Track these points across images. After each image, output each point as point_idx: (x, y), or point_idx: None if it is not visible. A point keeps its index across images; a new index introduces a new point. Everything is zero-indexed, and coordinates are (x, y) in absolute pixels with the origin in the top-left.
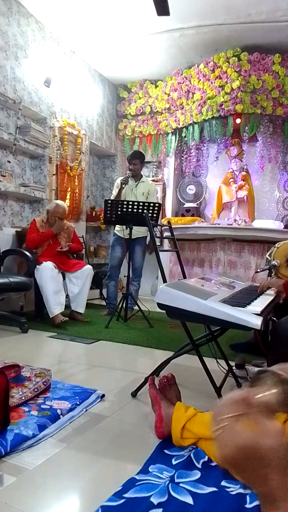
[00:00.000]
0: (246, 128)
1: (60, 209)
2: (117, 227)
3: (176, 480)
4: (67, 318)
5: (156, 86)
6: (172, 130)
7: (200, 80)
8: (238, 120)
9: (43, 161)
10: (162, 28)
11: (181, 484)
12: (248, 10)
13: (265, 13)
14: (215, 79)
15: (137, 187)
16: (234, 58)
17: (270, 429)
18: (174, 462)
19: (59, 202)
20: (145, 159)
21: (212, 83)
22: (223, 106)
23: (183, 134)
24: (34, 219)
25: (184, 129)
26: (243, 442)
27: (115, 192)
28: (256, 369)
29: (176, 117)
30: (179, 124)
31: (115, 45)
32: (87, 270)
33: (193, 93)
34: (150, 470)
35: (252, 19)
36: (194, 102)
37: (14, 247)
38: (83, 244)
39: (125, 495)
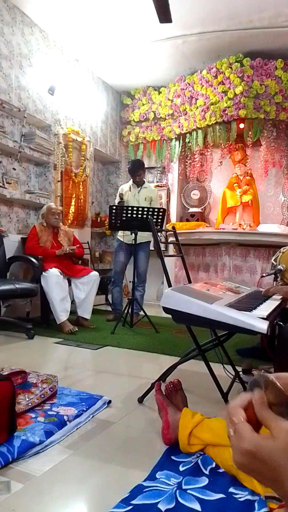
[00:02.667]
0: (250, 133)
1: (53, 206)
2: (120, 232)
3: (184, 487)
4: (77, 329)
5: (160, 93)
6: (176, 136)
7: (203, 86)
8: (241, 125)
9: (48, 168)
10: (164, 35)
11: (188, 491)
12: (250, 16)
13: (267, 19)
14: (218, 85)
15: (139, 193)
16: (236, 64)
17: (279, 430)
18: (181, 469)
19: (48, 203)
20: (144, 165)
21: (215, 88)
22: (226, 112)
23: (187, 140)
24: (34, 225)
25: (187, 135)
26: (252, 446)
27: (117, 200)
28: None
29: (179, 123)
30: (182, 130)
31: (118, 53)
32: (94, 276)
33: (196, 99)
34: (157, 476)
35: (254, 25)
36: (197, 108)
37: (20, 254)
38: (88, 250)
39: (133, 502)
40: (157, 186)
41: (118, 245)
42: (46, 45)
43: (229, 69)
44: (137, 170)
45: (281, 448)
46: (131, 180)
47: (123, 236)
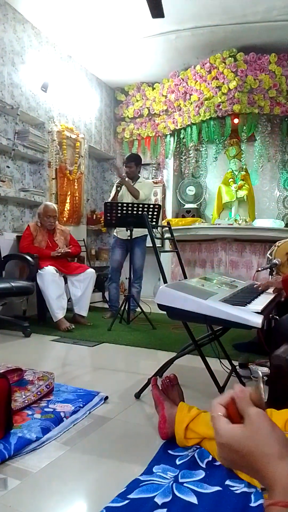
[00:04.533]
0: (244, 128)
1: (50, 208)
2: (116, 228)
3: (180, 480)
4: (73, 326)
5: (153, 89)
6: (170, 132)
7: (197, 81)
8: (236, 120)
9: (42, 166)
10: (157, 31)
11: (185, 484)
12: (244, 10)
13: (261, 13)
14: (212, 80)
15: None
16: (230, 58)
17: (249, 418)
18: (178, 462)
19: (47, 202)
20: (141, 161)
21: (209, 84)
22: (220, 107)
23: (181, 136)
24: (28, 225)
25: (182, 131)
26: (225, 438)
27: (112, 194)
28: (259, 368)
29: (174, 118)
30: (177, 126)
31: (112, 49)
32: (90, 273)
33: (190, 95)
34: (154, 470)
35: (247, 20)
36: (191, 104)
37: (15, 252)
38: (84, 247)
39: (130, 496)
40: (153, 182)
41: (114, 241)
42: (39, 42)
43: (223, 64)
44: (128, 162)
45: (249, 434)
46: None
47: (119, 231)
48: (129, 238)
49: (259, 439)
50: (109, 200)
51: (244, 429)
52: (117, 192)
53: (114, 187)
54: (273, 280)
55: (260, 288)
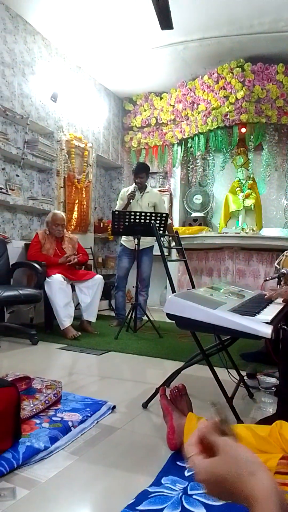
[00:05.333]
0: (252, 137)
1: (58, 217)
2: (123, 238)
3: (189, 492)
4: (80, 333)
5: (161, 98)
6: (178, 141)
7: (204, 91)
8: (243, 130)
9: (51, 174)
10: (165, 42)
11: (194, 496)
12: (251, 21)
13: (268, 24)
14: (220, 90)
15: (142, 198)
16: (237, 68)
17: (218, 447)
18: (187, 474)
19: (55, 211)
20: (150, 170)
21: (216, 93)
22: (228, 116)
23: (189, 145)
24: (37, 233)
25: (189, 140)
26: (203, 474)
27: (119, 204)
28: (268, 378)
29: (181, 128)
30: (184, 135)
31: (120, 60)
32: (98, 280)
33: (198, 104)
34: (162, 482)
35: (255, 30)
36: (199, 113)
37: (23, 260)
38: (91, 255)
39: (138, 508)
40: (160, 191)
41: (122, 250)
42: (49, 53)
43: (230, 74)
44: (139, 172)
45: (221, 462)
46: (133, 184)
47: (127, 241)
48: (136, 247)
49: (229, 464)
50: (117, 208)
51: (217, 459)
52: (128, 203)
53: (125, 198)
54: (282, 290)
55: (267, 297)
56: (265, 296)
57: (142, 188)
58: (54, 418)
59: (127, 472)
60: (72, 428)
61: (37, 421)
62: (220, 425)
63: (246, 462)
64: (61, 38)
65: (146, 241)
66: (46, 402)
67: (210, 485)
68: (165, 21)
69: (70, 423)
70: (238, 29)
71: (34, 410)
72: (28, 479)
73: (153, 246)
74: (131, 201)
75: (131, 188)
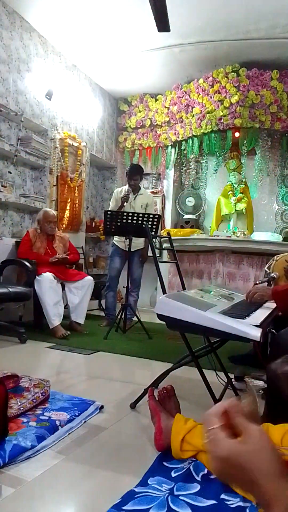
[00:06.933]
0: (245, 141)
1: (50, 214)
2: (116, 238)
3: (176, 493)
4: (69, 333)
5: (156, 100)
6: (172, 143)
7: (199, 94)
8: (237, 134)
9: (43, 172)
10: (162, 44)
11: (180, 497)
12: (247, 27)
13: (264, 30)
14: (214, 94)
15: (135, 200)
16: (233, 73)
17: (249, 434)
18: (173, 475)
19: (46, 208)
20: (143, 172)
21: (211, 97)
22: (222, 120)
23: (183, 147)
24: (28, 231)
25: (183, 142)
26: (225, 452)
27: (113, 204)
28: (255, 381)
29: (175, 130)
30: (178, 137)
31: (116, 60)
32: (88, 281)
33: (193, 107)
34: (149, 482)
35: (251, 36)
36: (193, 116)
37: (14, 257)
38: (82, 254)
39: (124, 508)
40: (152, 192)
41: (114, 250)
42: (45, 51)
43: (226, 78)
44: (133, 174)
45: (250, 451)
46: (127, 185)
47: (120, 241)
48: (130, 248)
49: (261, 456)
50: (110, 209)
51: (245, 445)
52: (122, 206)
53: (119, 198)
54: (262, 289)
55: (248, 299)
56: (247, 298)
57: (135, 189)
58: (41, 417)
59: (113, 472)
60: (60, 427)
61: (24, 419)
62: (249, 410)
63: (279, 462)
64: (58, 36)
65: (139, 242)
66: (34, 401)
67: (225, 466)
68: (162, 24)
69: (57, 422)
70: (234, 34)
71: (22, 408)
72: (14, 478)
73: (144, 247)
74: (125, 204)
75: (125, 189)
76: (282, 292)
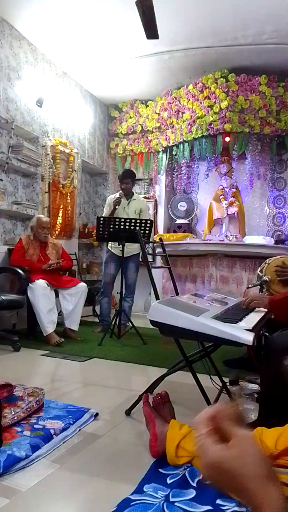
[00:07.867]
0: (235, 146)
1: (43, 220)
2: (111, 244)
3: (171, 499)
4: (63, 340)
5: (147, 106)
6: (163, 149)
7: (189, 100)
8: (227, 139)
9: (35, 179)
10: (151, 51)
11: (176, 503)
12: (235, 34)
13: (251, 37)
14: (204, 99)
15: (129, 205)
16: (222, 79)
17: (236, 438)
18: (169, 481)
19: (39, 215)
20: (136, 177)
21: (201, 103)
22: (212, 125)
23: (174, 152)
24: (20, 238)
25: (174, 148)
26: (213, 458)
27: (106, 210)
28: (250, 384)
29: (166, 135)
30: (169, 143)
31: (106, 67)
32: (82, 288)
33: (183, 113)
34: (145, 489)
35: (239, 42)
36: (184, 121)
37: (6, 265)
38: (75, 261)
39: None
40: (145, 197)
41: (109, 256)
42: (35, 58)
43: (215, 84)
44: (125, 178)
45: (238, 455)
46: (120, 190)
47: (115, 247)
48: (123, 254)
49: (248, 460)
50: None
51: (234, 450)
52: (114, 210)
53: (112, 204)
54: (258, 297)
55: (243, 305)
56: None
57: (128, 195)
58: (35, 426)
59: (109, 480)
60: (54, 436)
61: (19, 429)
62: (236, 413)
63: (267, 466)
64: (48, 44)
65: (134, 248)
66: (28, 409)
67: (216, 472)
68: (151, 31)
69: (52, 431)
70: (222, 41)
71: (16, 418)
72: (9, 488)
73: (139, 253)
74: (117, 207)
75: (116, 196)
76: (278, 301)
